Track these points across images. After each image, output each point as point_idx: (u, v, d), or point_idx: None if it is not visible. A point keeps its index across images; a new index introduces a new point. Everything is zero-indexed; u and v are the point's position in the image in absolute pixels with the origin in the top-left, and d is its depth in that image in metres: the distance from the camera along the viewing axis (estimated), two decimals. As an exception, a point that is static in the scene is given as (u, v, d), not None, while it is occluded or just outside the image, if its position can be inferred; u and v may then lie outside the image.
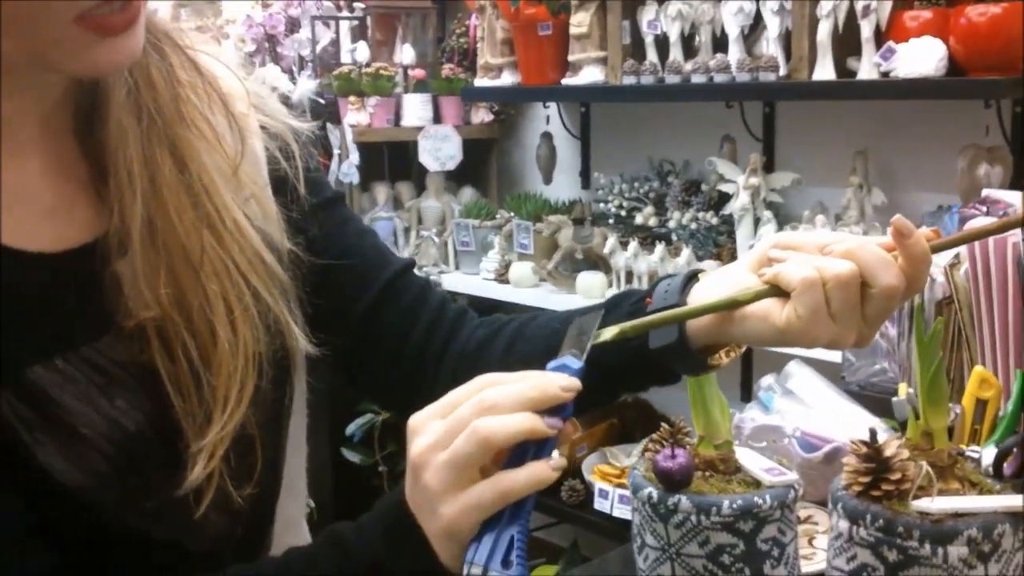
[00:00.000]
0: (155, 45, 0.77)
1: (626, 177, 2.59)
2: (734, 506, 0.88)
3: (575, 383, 0.67)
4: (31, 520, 0.71)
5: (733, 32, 2.14)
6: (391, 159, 2.89)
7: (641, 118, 2.62)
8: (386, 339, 0.91)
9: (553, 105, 2.70)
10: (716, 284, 0.78)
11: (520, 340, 0.88)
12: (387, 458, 2.59)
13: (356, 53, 2.78)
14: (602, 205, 2.60)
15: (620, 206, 2.56)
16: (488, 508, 0.64)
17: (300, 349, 0.83)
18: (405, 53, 2.79)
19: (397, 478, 2.62)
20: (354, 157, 2.70)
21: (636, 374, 0.83)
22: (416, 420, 0.67)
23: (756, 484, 0.92)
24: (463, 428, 0.65)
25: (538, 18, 2.39)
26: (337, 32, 2.90)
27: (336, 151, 2.77)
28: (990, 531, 0.77)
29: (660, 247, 2.30)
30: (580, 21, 2.34)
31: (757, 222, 2.21)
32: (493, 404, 0.65)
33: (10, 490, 0.70)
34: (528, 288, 2.52)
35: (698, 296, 0.77)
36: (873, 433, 0.86)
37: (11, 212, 0.72)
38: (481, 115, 2.84)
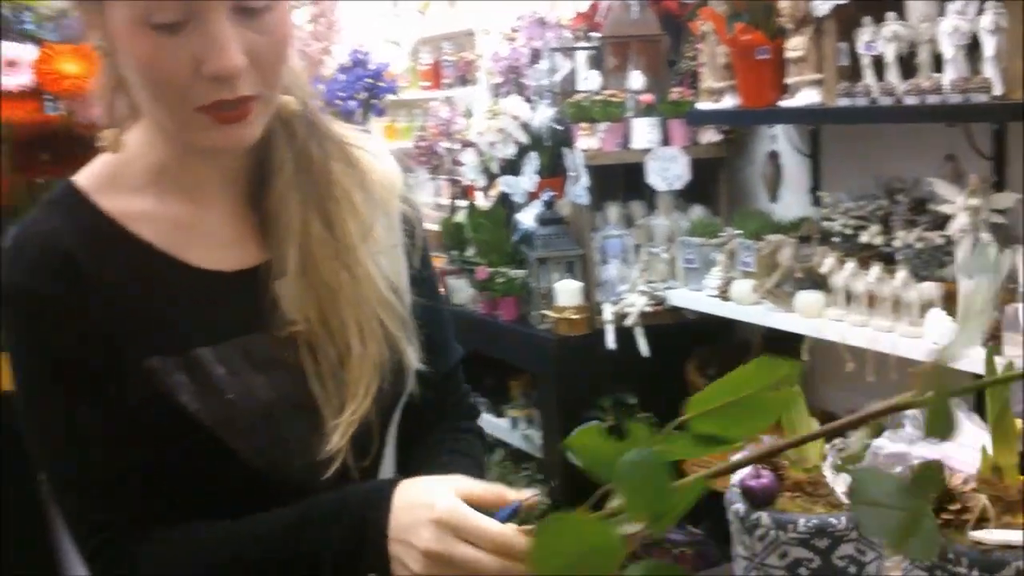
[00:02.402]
0: (319, 139, 1.06)
1: (853, 195, 2.60)
2: (809, 524, 0.97)
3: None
4: (165, 449, 0.99)
5: (948, 52, 2.13)
6: (624, 179, 3.02)
7: (869, 136, 2.62)
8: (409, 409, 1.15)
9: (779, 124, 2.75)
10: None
11: None
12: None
13: (588, 81, 2.94)
14: (827, 223, 2.62)
15: (846, 224, 2.57)
16: None
17: (411, 366, 1.09)
18: (634, 79, 2.92)
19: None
20: (584, 180, 2.86)
21: None
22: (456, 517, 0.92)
23: (841, 506, 1.01)
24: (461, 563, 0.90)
25: (755, 43, 2.46)
26: (574, 62, 3.07)
27: (571, 174, 2.94)
28: (1038, 565, 0.81)
29: (876, 267, 2.31)
30: (796, 45, 2.39)
31: (977, 243, 2.18)
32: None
33: (157, 429, 0.98)
34: (749, 306, 2.58)
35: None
36: (939, 464, 0.92)
37: (201, 243, 1.04)
38: (709, 135, 2.92)
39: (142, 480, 1.00)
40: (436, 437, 1.19)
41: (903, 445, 1.22)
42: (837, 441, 1.32)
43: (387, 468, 1.13)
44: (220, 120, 0.94)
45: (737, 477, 1.06)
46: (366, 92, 2.03)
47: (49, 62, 1.85)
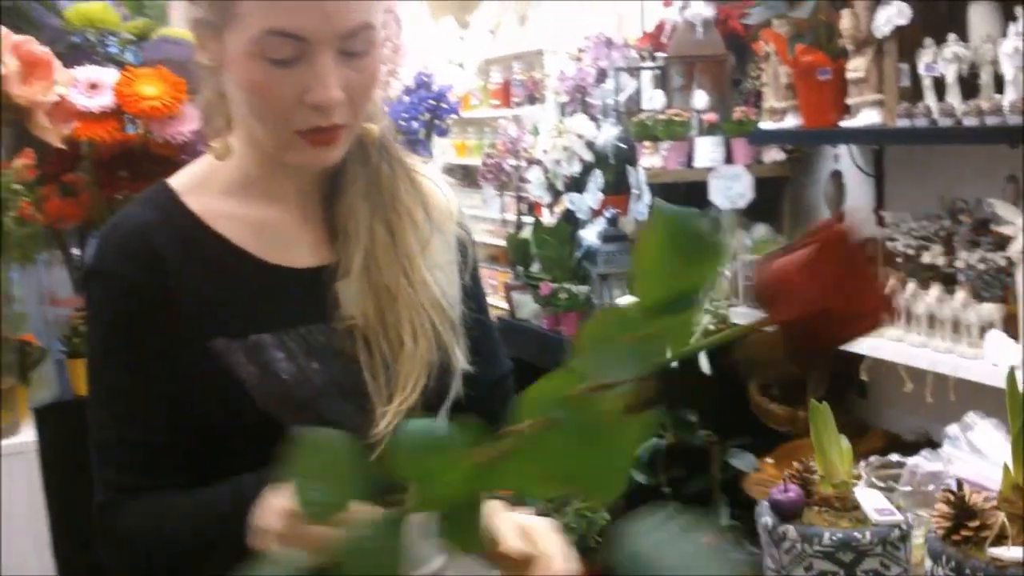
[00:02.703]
0: (389, 161, 1.19)
1: (916, 215, 2.60)
2: (834, 538, 1.00)
3: None
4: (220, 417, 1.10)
5: (1009, 73, 2.13)
6: (688, 197, 3.05)
7: (932, 156, 2.62)
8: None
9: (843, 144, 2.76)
10: None
11: None
12: (671, 481, 2.74)
13: (653, 101, 2.98)
14: (890, 243, 2.62)
15: (908, 244, 2.57)
16: None
17: (458, 367, 1.18)
18: (698, 99, 2.95)
19: (682, 500, 2.77)
20: (647, 197, 2.90)
21: None
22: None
23: (867, 521, 1.04)
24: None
25: (816, 63, 2.48)
26: (639, 81, 3.11)
27: (634, 191, 2.98)
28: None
29: (936, 288, 2.31)
30: (856, 66, 2.40)
31: (1038, 264, 2.17)
32: None
33: (214, 405, 1.10)
34: (808, 324, 2.59)
35: None
36: (960, 483, 0.95)
37: (275, 242, 1.16)
38: (773, 154, 2.94)
39: (184, 453, 1.11)
40: None
41: (939, 464, 1.24)
42: (873, 459, 1.34)
43: None
44: (312, 142, 1.08)
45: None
46: (429, 113, 2.09)
47: (129, 84, 1.95)
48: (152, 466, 1.11)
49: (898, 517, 0.95)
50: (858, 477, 1.22)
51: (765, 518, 1.00)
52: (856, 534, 0.96)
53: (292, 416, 1.09)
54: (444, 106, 2.10)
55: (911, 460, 1.27)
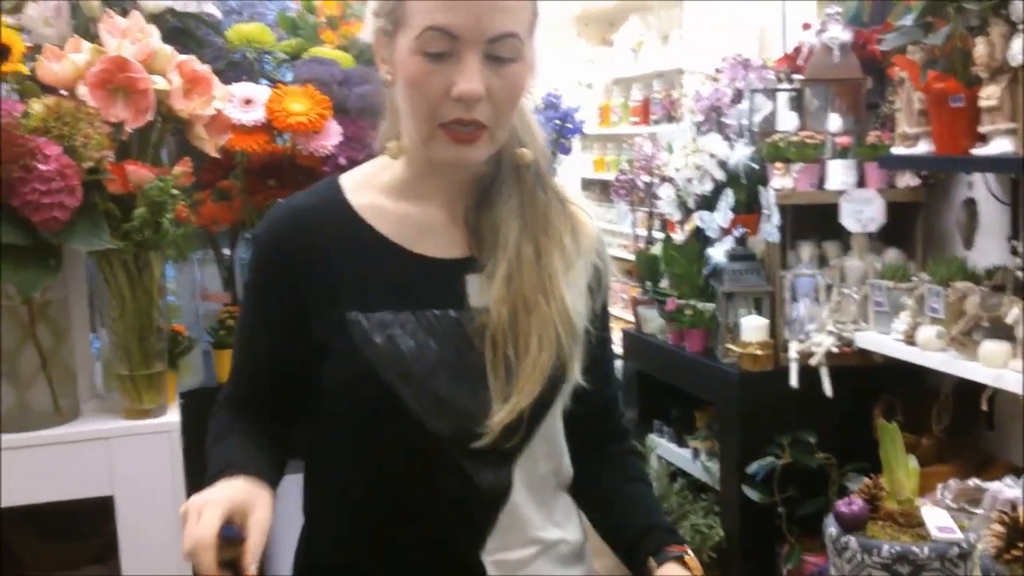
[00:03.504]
0: (544, 188, 1.33)
1: (1051, 245, 2.56)
2: (892, 551, 1.06)
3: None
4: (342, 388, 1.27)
5: None
6: (820, 219, 3.06)
7: (1072, 185, 2.57)
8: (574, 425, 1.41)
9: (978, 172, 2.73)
10: None
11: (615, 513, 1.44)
12: (786, 500, 2.76)
13: (786, 122, 3.00)
14: (1021, 273, 2.58)
15: (1041, 275, 2.53)
16: None
17: (573, 381, 1.31)
18: (833, 121, 2.96)
19: (796, 522, 2.78)
20: (776, 218, 2.92)
21: None
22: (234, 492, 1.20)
23: (928, 538, 1.09)
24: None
25: (949, 91, 2.47)
26: (775, 103, 3.14)
27: (764, 211, 3.01)
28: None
29: (1064, 319, 2.27)
30: (990, 94, 2.38)
31: None
32: None
33: (343, 369, 1.26)
34: (934, 352, 2.58)
35: None
36: (1014, 503, 1.00)
37: (417, 235, 1.31)
38: (907, 179, 2.92)
39: (269, 397, 1.34)
40: (611, 457, 1.46)
41: (1018, 491, 1.27)
42: (952, 482, 1.37)
43: (532, 453, 1.33)
44: (453, 138, 1.21)
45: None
46: (555, 132, 2.19)
47: (279, 101, 2.11)
48: (251, 396, 1.35)
49: (957, 535, 1.00)
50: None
51: (830, 528, 1.06)
52: (914, 548, 1.02)
53: (407, 387, 1.23)
54: (569, 126, 2.19)
55: (993, 486, 1.30)
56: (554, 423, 1.36)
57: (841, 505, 1.05)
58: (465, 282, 1.29)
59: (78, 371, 1.88)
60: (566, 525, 1.42)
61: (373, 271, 1.28)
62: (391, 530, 1.30)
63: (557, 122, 2.18)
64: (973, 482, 1.48)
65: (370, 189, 1.33)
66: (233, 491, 1.18)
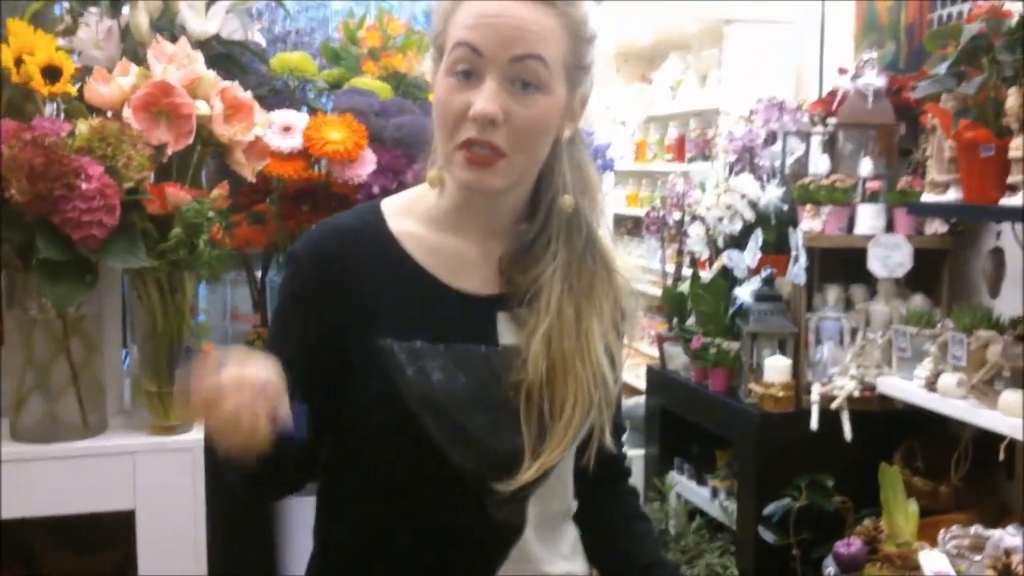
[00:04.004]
0: (593, 252, 1.35)
1: (1077, 298, 2.56)
2: (886, 595, 1.08)
3: None
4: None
5: None
6: (847, 262, 3.07)
7: (1101, 240, 2.57)
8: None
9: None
10: None
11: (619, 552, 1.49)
12: (801, 543, 2.76)
13: (818, 165, 3.03)
14: (1047, 325, 2.58)
15: (1068, 327, 2.53)
16: None
17: (601, 443, 1.35)
18: (864, 166, 2.98)
19: (811, 564, 2.78)
20: (803, 260, 2.94)
21: None
22: None
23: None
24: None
25: (978, 140, 2.48)
26: (808, 145, 3.16)
27: (793, 253, 3.03)
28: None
29: (1086, 374, 2.28)
30: (1018, 145, 2.40)
31: None
32: None
33: (372, 389, 1.28)
34: (954, 399, 2.58)
35: None
36: (1009, 551, 1.02)
37: (451, 267, 1.33)
38: (935, 226, 2.94)
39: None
40: (614, 497, 1.52)
41: (1018, 539, 1.28)
42: (955, 528, 1.39)
43: (544, 491, 1.35)
44: (469, 160, 1.23)
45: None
46: (585, 169, 2.23)
47: (317, 129, 2.16)
48: None
49: None
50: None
51: (829, 569, 1.09)
52: (907, 593, 1.03)
53: (433, 418, 1.26)
54: (600, 162, 2.23)
55: (995, 533, 1.31)
56: (567, 465, 1.39)
57: (840, 546, 1.07)
58: (496, 319, 1.32)
59: (107, 386, 1.94)
60: (573, 558, 1.45)
61: (408, 300, 1.30)
62: (402, 558, 1.33)
63: (587, 159, 2.22)
64: (975, 529, 1.50)
65: (410, 216, 1.35)
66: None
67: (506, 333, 1.32)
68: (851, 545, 1.08)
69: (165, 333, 1.87)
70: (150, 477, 1.85)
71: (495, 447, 1.28)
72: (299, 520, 1.38)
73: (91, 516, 1.86)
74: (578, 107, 1.32)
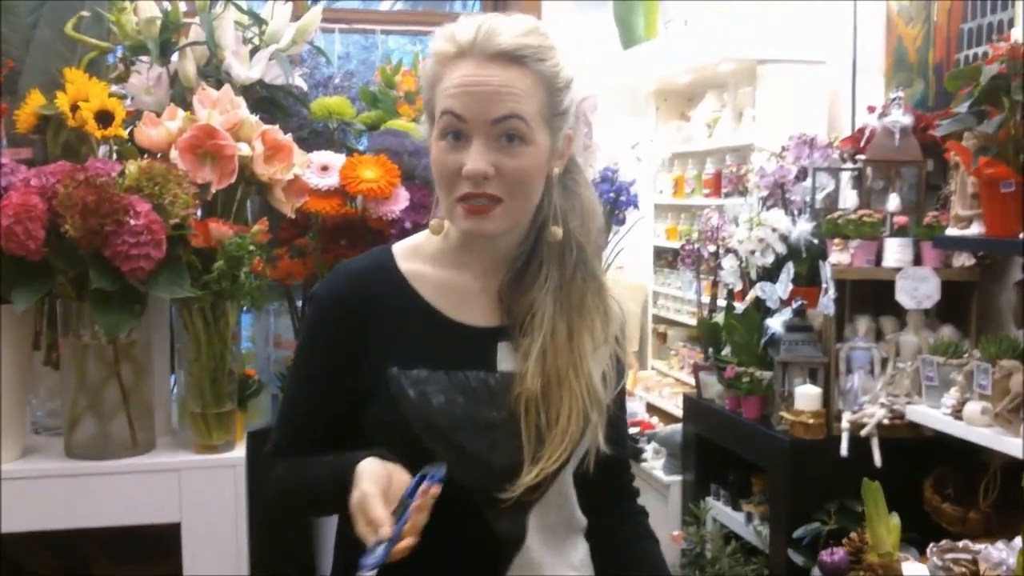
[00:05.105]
0: (583, 274, 1.47)
1: (1103, 328, 2.59)
2: (862, 599, 1.16)
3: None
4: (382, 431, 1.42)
5: None
6: (877, 294, 3.13)
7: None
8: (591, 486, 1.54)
9: (1031, 253, 2.78)
10: None
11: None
12: (830, 568, 2.81)
13: (846, 201, 3.10)
14: (1072, 354, 2.62)
15: (1092, 357, 2.57)
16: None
17: (597, 448, 1.47)
18: (892, 201, 3.05)
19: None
20: (832, 292, 3.01)
21: None
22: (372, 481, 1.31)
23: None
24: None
25: (999, 176, 2.54)
26: (838, 181, 3.24)
27: (823, 284, 3.09)
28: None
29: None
30: (1036, 180, 2.45)
31: None
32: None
33: (382, 413, 1.41)
34: (979, 427, 2.62)
35: None
36: (976, 560, 1.09)
37: (454, 302, 1.47)
38: (963, 259, 2.99)
39: (324, 441, 1.46)
40: (623, 516, 1.62)
41: (1005, 553, 1.35)
42: (944, 543, 1.46)
43: (545, 503, 1.47)
44: (469, 211, 1.37)
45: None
46: (609, 204, 2.34)
47: (353, 168, 2.29)
48: (299, 440, 1.48)
49: None
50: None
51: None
52: (882, 597, 1.11)
53: (433, 438, 1.38)
54: (623, 199, 2.34)
55: (983, 549, 1.38)
56: (566, 478, 1.50)
57: (824, 555, 1.16)
58: (496, 349, 1.45)
59: (156, 407, 2.07)
60: (583, 569, 1.54)
61: (414, 332, 1.44)
62: (414, 566, 1.42)
63: (612, 195, 2.32)
64: (963, 544, 1.55)
65: (417, 257, 1.50)
66: (370, 475, 1.32)
67: (505, 360, 1.44)
68: (834, 554, 1.17)
69: (208, 358, 2.00)
70: (195, 492, 1.98)
71: (493, 464, 1.39)
72: (332, 534, 1.53)
73: (140, 528, 1.99)
74: (563, 146, 1.44)
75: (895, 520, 1.23)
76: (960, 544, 1.57)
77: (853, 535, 1.22)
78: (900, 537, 2.79)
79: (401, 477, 1.32)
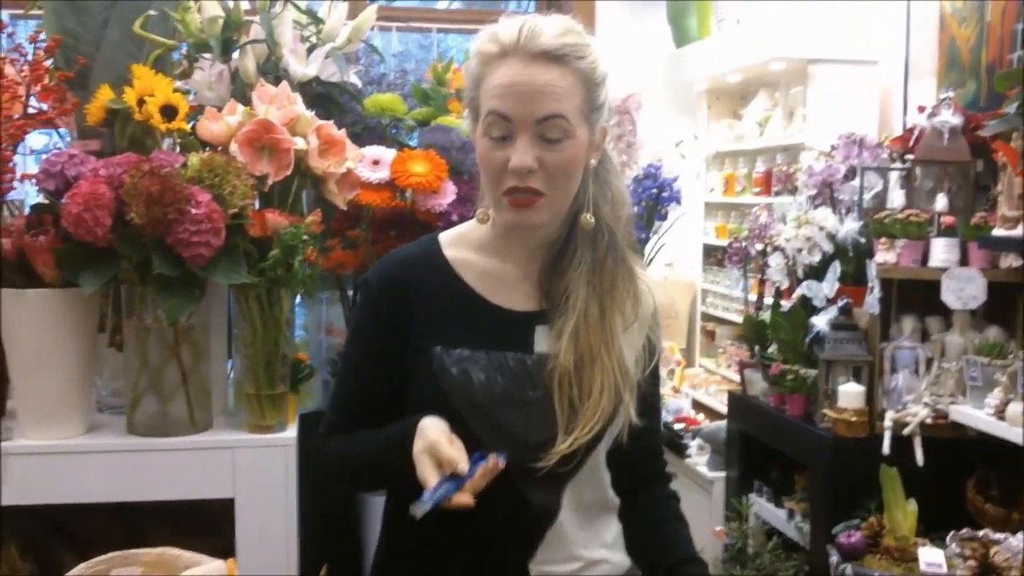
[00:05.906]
0: (614, 257, 1.54)
1: None
2: (877, 579, 1.21)
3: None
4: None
5: None
6: (924, 294, 3.14)
7: None
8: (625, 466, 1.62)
9: (1078, 255, 2.78)
10: None
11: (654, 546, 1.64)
12: (869, 563, 2.83)
13: (894, 201, 3.12)
14: (1117, 356, 2.62)
15: None
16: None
17: (628, 420, 1.54)
18: (940, 201, 3.06)
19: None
20: (877, 291, 3.03)
21: None
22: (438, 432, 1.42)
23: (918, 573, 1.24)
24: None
25: (1044, 176, 2.56)
26: (886, 181, 3.25)
27: (869, 284, 3.11)
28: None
29: None
30: (1081, 180, 2.46)
31: None
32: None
33: (426, 390, 1.49)
34: (1020, 427, 2.63)
35: None
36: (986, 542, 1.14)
37: (497, 287, 1.54)
38: (1010, 260, 2.99)
39: (374, 417, 1.53)
40: (655, 499, 1.68)
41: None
42: (965, 531, 1.50)
43: (579, 481, 1.54)
44: (514, 204, 1.44)
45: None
46: (651, 200, 2.39)
47: (403, 163, 2.37)
48: (352, 419, 1.56)
49: (943, 571, 1.15)
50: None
51: (832, 557, 1.23)
52: (900, 579, 1.16)
53: (473, 414, 1.46)
54: (665, 195, 2.39)
55: (1005, 538, 1.41)
56: (600, 457, 1.57)
57: (841, 537, 1.21)
58: (534, 332, 1.52)
59: (213, 388, 2.17)
60: (615, 549, 1.61)
61: (457, 315, 1.53)
62: (452, 537, 1.51)
63: (654, 191, 2.37)
64: (983, 532, 1.58)
65: (462, 245, 1.58)
66: (435, 428, 1.42)
67: (542, 342, 1.52)
68: (852, 536, 1.22)
69: (263, 342, 2.09)
70: (248, 469, 2.07)
71: (529, 438, 1.47)
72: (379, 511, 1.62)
73: (197, 503, 2.08)
74: (599, 139, 1.51)
75: (912, 505, 1.27)
76: (980, 533, 1.59)
77: (872, 519, 1.27)
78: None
79: (457, 440, 1.41)
